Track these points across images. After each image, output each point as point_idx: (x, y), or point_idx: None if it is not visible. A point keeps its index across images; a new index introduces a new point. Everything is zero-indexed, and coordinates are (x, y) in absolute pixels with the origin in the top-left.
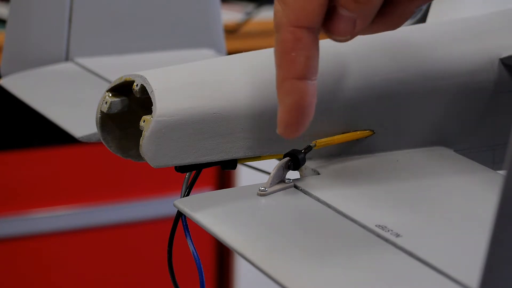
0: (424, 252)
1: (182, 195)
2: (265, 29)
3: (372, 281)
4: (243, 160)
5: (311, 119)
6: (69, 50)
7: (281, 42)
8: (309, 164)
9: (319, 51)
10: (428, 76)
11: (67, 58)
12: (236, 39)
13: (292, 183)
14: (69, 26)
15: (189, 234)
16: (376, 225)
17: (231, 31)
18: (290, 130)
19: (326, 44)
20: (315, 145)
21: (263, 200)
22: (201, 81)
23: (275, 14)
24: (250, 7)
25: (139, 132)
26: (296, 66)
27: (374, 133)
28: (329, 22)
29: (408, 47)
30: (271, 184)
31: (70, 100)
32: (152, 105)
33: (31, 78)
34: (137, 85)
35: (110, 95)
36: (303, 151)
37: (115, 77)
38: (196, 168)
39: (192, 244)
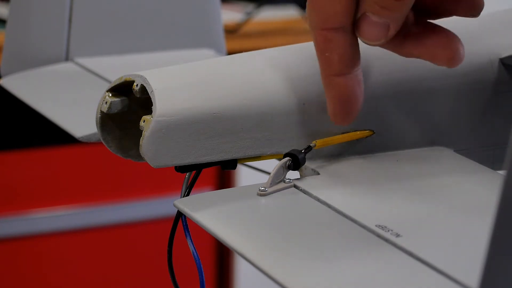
0: (424, 252)
1: (182, 195)
2: (265, 29)
3: (372, 281)
4: (243, 160)
5: (359, 106)
6: (69, 50)
7: (315, 43)
8: (309, 164)
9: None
10: (428, 76)
11: (67, 58)
12: (236, 39)
13: (292, 183)
14: (69, 26)
15: (189, 234)
16: (376, 225)
17: (231, 31)
18: (340, 119)
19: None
20: (315, 145)
21: (263, 200)
22: (201, 81)
23: (307, 18)
24: (250, 7)
25: (139, 132)
26: (330, 65)
27: (374, 133)
28: (361, 28)
29: None
30: (271, 184)
31: (70, 100)
32: (152, 105)
33: (31, 78)
34: (137, 85)
35: (110, 95)
36: (303, 151)
37: (115, 77)
38: (196, 168)
39: (192, 244)
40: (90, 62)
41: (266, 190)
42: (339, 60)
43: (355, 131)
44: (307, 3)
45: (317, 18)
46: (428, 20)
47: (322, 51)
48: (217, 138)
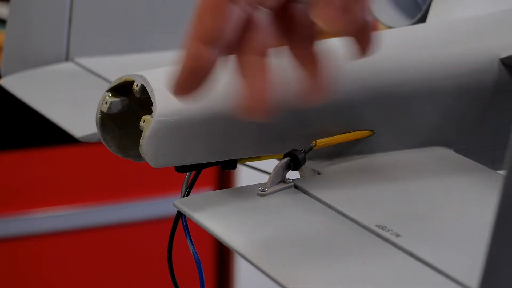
0: (424, 252)
1: (182, 195)
2: None
3: (371, 281)
4: (243, 160)
5: (204, 86)
6: (69, 50)
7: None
8: (309, 164)
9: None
10: (428, 76)
11: (67, 58)
12: None
13: (292, 183)
14: (69, 26)
15: (189, 234)
16: (376, 225)
17: None
18: (179, 90)
19: (325, 45)
20: (315, 145)
21: (263, 200)
22: None
23: None
24: None
25: (139, 132)
26: (203, 27)
27: (374, 133)
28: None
29: (408, 47)
30: (271, 184)
31: (70, 100)
32: (152, 105)
33: (31, 78)
34: (137, 85)
35: (110, 95)
36: (303, 151)
37: (115, 77)
38: (196, 168)
39: (192, 244)
40: (90, 62)
41: (266, 190)
42: (213, 25)
43: (355, 131)
44: None
45: None
46: None
47: (201, 12)
48: (217, 138)
